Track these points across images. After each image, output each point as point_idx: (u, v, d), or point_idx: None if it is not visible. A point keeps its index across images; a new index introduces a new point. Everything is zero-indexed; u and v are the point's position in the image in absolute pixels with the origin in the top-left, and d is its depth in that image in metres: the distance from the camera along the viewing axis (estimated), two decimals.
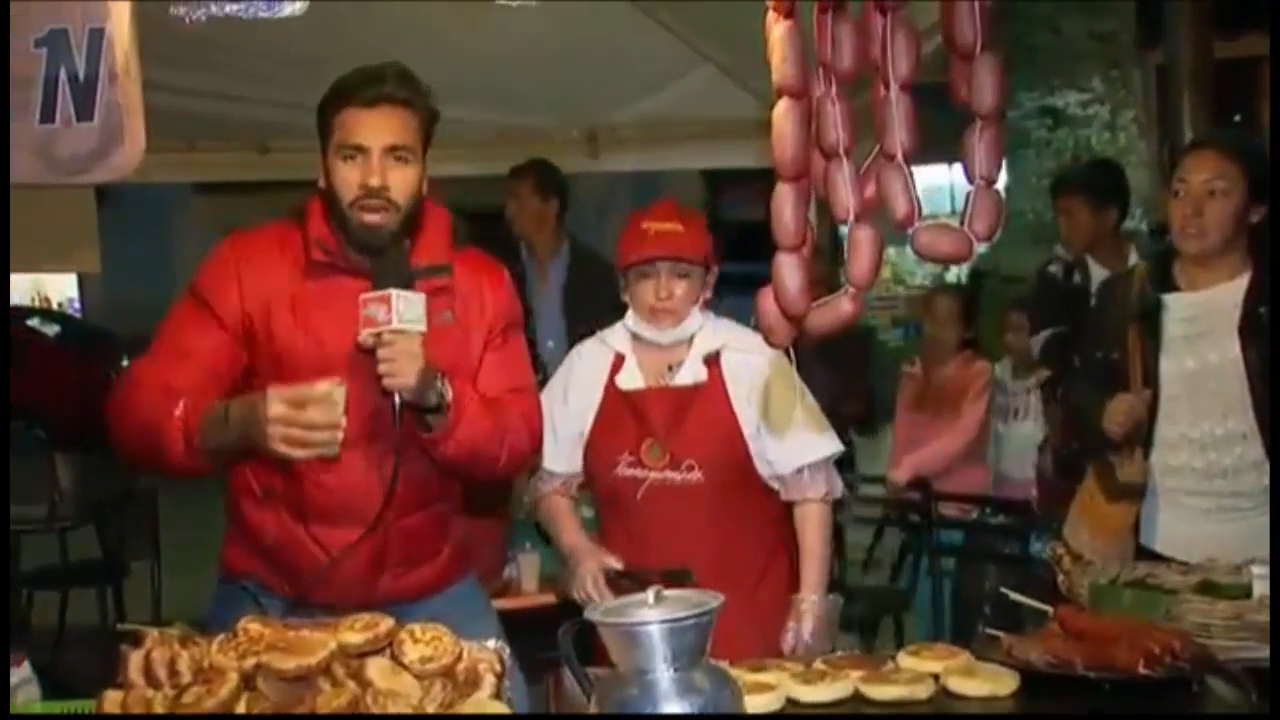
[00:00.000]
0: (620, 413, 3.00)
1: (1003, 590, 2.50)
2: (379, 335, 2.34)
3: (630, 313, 3.03)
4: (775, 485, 3.01)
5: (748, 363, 2.95)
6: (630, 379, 3.02)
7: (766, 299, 1.73)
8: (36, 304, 19.80)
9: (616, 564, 2.90)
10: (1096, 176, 5.08)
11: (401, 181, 2.46)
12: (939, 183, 10.82)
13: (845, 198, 1.64)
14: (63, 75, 2.34)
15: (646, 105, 5.55)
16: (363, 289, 2.39)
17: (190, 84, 4.79)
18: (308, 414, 2.20)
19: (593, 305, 4.37)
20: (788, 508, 3.03)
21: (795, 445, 2.96)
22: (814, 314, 1.70)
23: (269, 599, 2.52)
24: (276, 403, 2.21)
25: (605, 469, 2.99)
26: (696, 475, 2.92)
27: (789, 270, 1.66)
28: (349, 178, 2.45)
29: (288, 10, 2.39)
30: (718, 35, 4.64)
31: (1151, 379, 3.04)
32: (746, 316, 2.62)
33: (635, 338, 3.02)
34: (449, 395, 2.43)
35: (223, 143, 5.69)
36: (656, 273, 2.94)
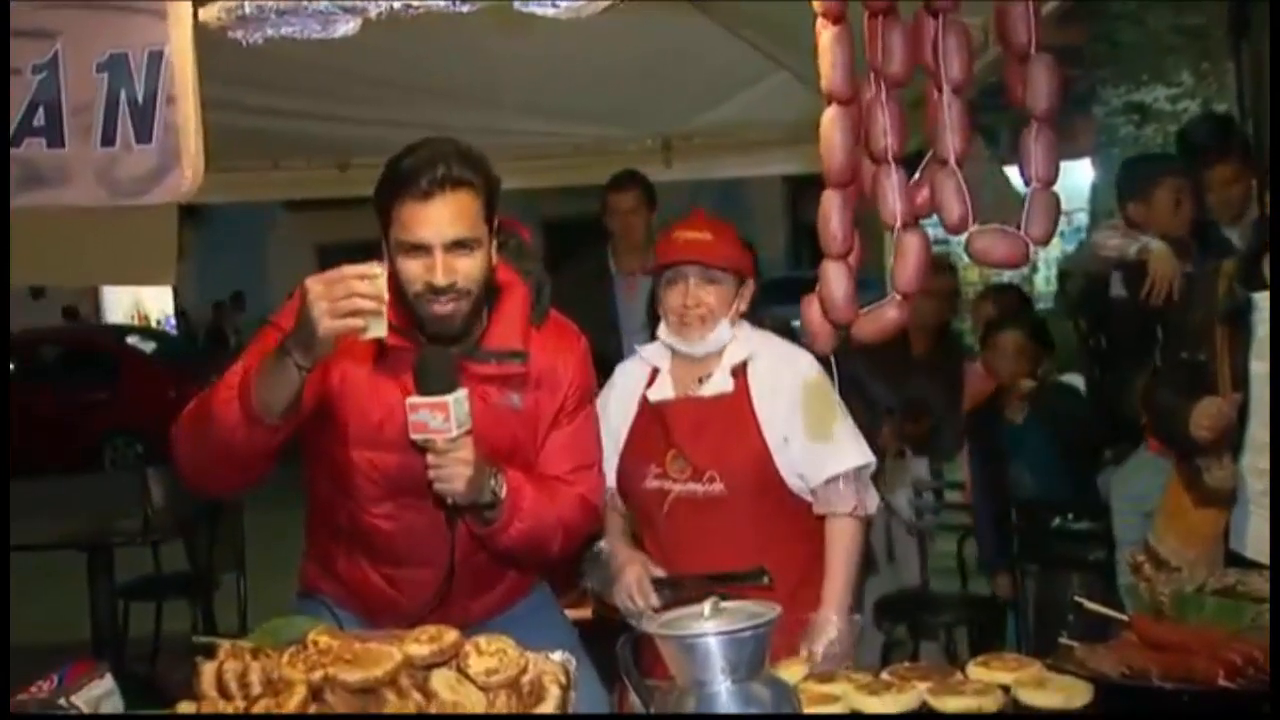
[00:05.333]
0: (649, 426, 2.96)
1: (1077, 599, 2.44)
2: (431, 442, 2.30)
3: (662, 324, 2.99)
4: (810, 500, 2.92)
5: (776, 372, 2.90)
6: (660, 391, 2.99)
7: (811, 305, 1.71)
8: (135, 322, 20.37)
9: (659, 571, 2.90)
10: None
11: (468, 270, 2.36)
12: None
13: (893, 204, 1.62)
14: (123, 99, 2.34)
15: (720, 113, 5.52)
16: None
17: (271, 103, 4.86)
18: (349, 283, 2.12)
19: None
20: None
21: (823, 455, 2.86)
22: (860, 321, 1.68)
23: (343, 612, 2.55)
24: (316, 283, 2.14)
25: (634, 482, 2.97)
26: (718, 487, 2.85)
27: (835, 277, 1.64)
28: (413, 273, 2.35)
29: (341, 31, 2.39)
30: (790, 41, 4.61)
31: (1240, 381, 2.96)
32: None
33: (673, 352, 2.98)
34: (503, 493, 2.40)
35: (304, 161, 5.78)
36: (685, 278, 2.90)
